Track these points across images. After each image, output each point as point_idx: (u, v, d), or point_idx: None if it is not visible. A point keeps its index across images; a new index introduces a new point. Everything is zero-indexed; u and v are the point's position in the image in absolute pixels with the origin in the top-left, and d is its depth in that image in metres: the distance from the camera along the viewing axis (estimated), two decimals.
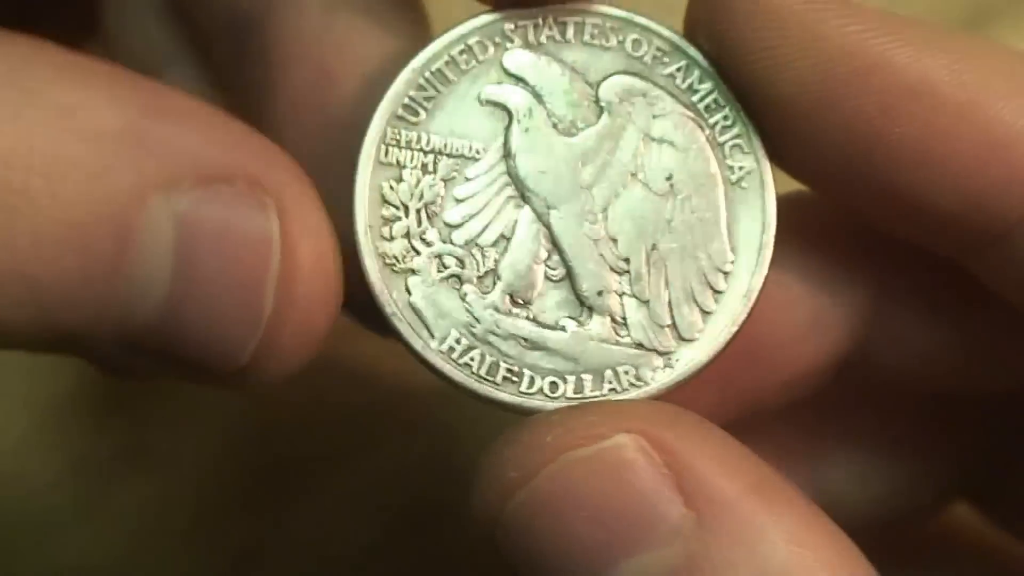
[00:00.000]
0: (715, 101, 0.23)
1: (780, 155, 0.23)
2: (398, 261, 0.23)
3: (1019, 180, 0.22)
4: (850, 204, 0.25)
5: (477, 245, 0.23)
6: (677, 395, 0.23)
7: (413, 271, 0.23)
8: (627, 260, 0.23)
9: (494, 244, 0.23)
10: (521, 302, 0.23)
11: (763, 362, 0.26)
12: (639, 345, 0.23)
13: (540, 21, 0.23)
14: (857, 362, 0.27)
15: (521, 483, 0.21)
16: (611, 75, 0.23)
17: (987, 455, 0.29)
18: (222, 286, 0.21)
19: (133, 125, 0.21)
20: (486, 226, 0.23)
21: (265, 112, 0.27)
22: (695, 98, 0.23)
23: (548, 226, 0.23)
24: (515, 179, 0.23)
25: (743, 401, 0.27)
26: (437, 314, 0.23)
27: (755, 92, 0.23)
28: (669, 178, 0.23)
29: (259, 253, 0.21)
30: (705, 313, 0.23)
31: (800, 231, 0.25)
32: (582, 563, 0.20)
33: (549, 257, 0.23)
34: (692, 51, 0.24)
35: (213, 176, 0.21)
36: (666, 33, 0.24)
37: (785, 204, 0.23)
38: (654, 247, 0.23)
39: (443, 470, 0.36)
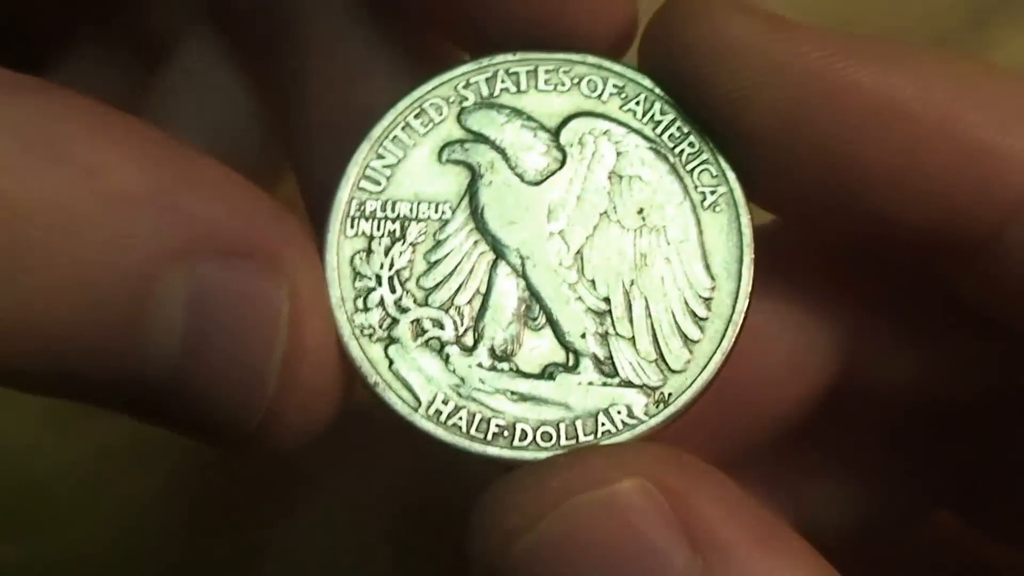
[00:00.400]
0: (678, 129, 0.23)
1: (749, 185, 0.23)
2: (376, 330, 0.23)
3: (992, 194, 0.22)
4: (823, 228, 0.24)
5: (455, 305, 0.23)
6: (670, 439, 0.22)
7: (392, 339, 0.23)
8: (607, 300, 0.23)
9: (471, 302, 0.23)
10: (505, 355, 0.23)
11: (749, 404, 0.26)
12: (628, 383, 0.23)
13: (492, 74, 0.24)
14: (838, 389, 0.27)
15: (525, 528, 0.20)
16: (570, 117, 0.23)
17: (966, 466, 0.29)
18: (229, 358, 0.21)
19: (158, 190, 0.21)
20: (461, 285, 0.23)
21: (295, 97, 0.27)
22: (657, 129, 0.23)
23: (524, 277, 0.23)
24: (485, 234, 0.23)
25: (733, 444, 0.26)
26: (421, 378, 0.23)
27: (718, 123, 0.23)
28: (640, 212, 0.23)
29: (266, 329, 0.21)
30: (691, 342, 0.23)
31: (773, 269, 0.25)
32: None
33: (528, 307, 0.23)
34: (648, 82, 0.23)
35: (231, 249, 0.21)
36: (619, 68, 0.23)
37: (756, 238, 0.23)
38: (632, 283, 0.23)
39: (444, 470, 0.36)
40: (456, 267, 0.23)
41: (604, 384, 0.23)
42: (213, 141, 0.31)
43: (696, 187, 0.23)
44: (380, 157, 0.23)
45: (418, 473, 0.37)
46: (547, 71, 0.24)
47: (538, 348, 0.23)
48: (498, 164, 0.23)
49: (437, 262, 0.23)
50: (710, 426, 0.24)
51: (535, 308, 0.23)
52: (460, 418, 0.23)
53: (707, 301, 0.23)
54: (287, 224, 0.22)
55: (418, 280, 0.23)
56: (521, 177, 0.23)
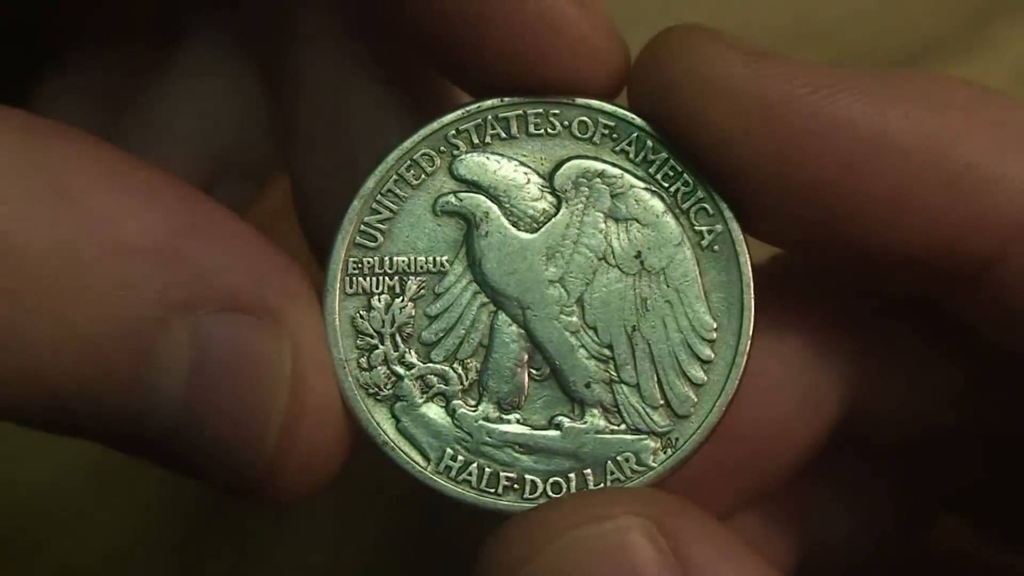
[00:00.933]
0: (672, 169, 0.23)
1: (744, 220, 0.23)
2: (380, 389, 0.23)
3: (987, 223, 0.21)
4: (821, 260, 0.24)
5: (457, 359, 0.23)
6: (681, 489, 0.22)
7: (397, 397, 0.23)
8: (610, 347, 0.23)
9: (474, 355, 0.23)
10: (510, 407, 0.23)
11: (762, 453, 0.26)
12: (636, 430, 0.23)
13: (481, 122, 0.23)
14: (843, 422, 0.27)
15: (525, 561, 0.21)
16: (562, 161, 0.23)
17: (970, 471, 0.29)
18: (230, 412, 0.21)
19: (166, 242, 0.21)
20: (463, 338, 0.23)
21: (288, 102, 0.27)
22: (651, 169, 0.23)
23: (525, 326, 0.23)
24: (484, 285, 0.23)
25: (748, 492, 0.26)
26: (428, 435, 0.23)
27: (710, 162, 0.23)
28: (638, 255, 0.23)
29: (267, 386, 0.21)
30: (696, 386, 0.23)
31: (776, 313, 0.25)
32: None
33: (531, 358, 0.23)
34: (639, 122, 0.23)
35: (235, 304, 0.21)
36: (609, 109, 0.23)
37: (756, 276, 0.23)
38: (635, 328, 0.23)
39: None
40: (457, 320, 0.23)
41: (611, 432, 0.23)
42: (218, 132, 0.31)
43: (693, 226, 0.23)
44: (375, 212, 0.23)
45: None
46: (536, 115, 0.23)
47: (544, 398, 0.23)
48: (493, 213, 0.23)
49: (438, 316, 0.23)
50: (723, 478, 0.25)
51: (538, 358, 0.23)
52: (470, 473, 0.23)
53: (710, 343, 0.23)
54: (291, 278, 0.22)
55: (420, 335, 0.23)
56: (516, 225, 0.23)
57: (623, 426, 0.23)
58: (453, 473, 0.23)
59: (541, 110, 0.23)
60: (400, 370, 0.23)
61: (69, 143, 0.21)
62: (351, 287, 0.23)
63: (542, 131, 0.23)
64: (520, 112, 0.23)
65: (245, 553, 0.37)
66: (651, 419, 0.23)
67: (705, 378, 0.23)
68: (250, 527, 0.37)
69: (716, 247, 0.23)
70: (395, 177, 0.23)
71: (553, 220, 0.23)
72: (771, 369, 0.25)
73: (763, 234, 0.23)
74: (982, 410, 0.27)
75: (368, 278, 0.23)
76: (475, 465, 0.23)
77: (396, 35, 0.25)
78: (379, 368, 0.23)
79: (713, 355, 0.23)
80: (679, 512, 0.21)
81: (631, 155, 0.23)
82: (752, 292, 0.23)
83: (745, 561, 0.21)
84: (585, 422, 0.23)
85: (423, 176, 0.23)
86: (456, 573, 0.22)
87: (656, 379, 0.23)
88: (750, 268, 0.23)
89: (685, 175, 0.23)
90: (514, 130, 0.23)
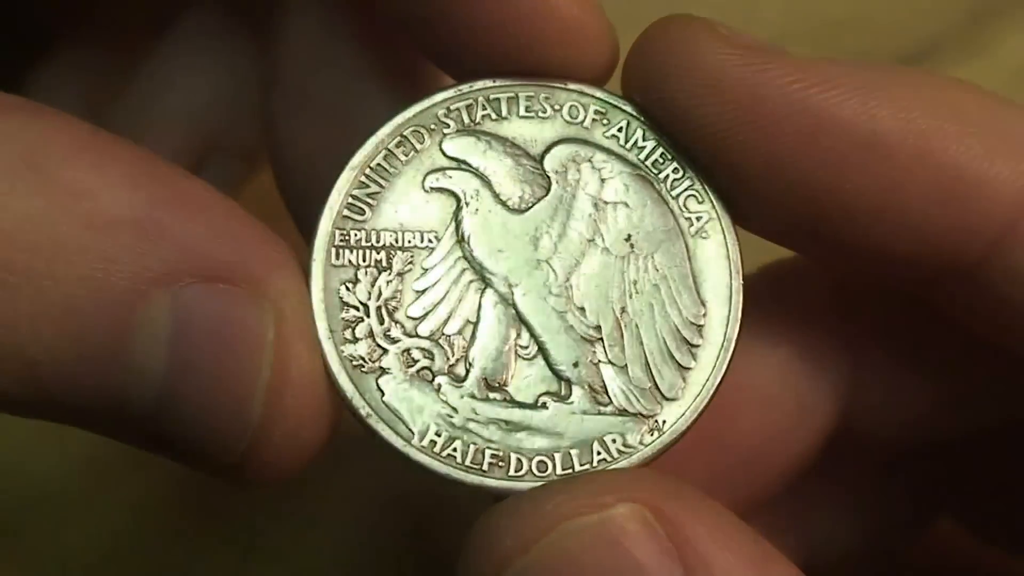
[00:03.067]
0: (662, 155, 0.23)
1: (734, 209, 0.23)
2: (366, 362, 0.23)
3: (976, 222, 0.21)
4: (809, 254, 0.24)
5: (444, 335, 0.23)
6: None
7: (383, 369, 0.23)
8: (598, 327, 0.23)
9: (461, 331, 0.23)
10: (497, 385, 0.23)
11: (755, 462, 0.26)
12: (623, 412, 0.23)
13: (472, 102, 0.23)
14: (842, 429, 0.27)
15: (519, 552, 0.20)
16: (553, 144, 0.23)
17: (967, 474, 0.30)
18: (213, 384, 0.21)
19: (143, 215, 0.21)
20: (450, 314, 0.23)
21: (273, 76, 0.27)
22: (641, 155, 0.23)
23: (513, 305, 0.23)
24: (472, 263, 0.23)
25: (742, 501, 0.26)
26: (413, 409, 0.22)
27: (701, 152, 0.23)
28: (628, 239, 0.23)
29: (251, 356, 0.21)
30: (684, 369, 0.23)
31: (768, 320, 0.25)
32: None
33: (519, 336, 0.23)
34: (630, 108, 0.23)
35: (215, 272, 0.21)
36: (600, 94, 0.23)
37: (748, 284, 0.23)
38: (623, 310, 0.23)
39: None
40: (444, 296, 0.23)
41: (598, 413, 0.23)
42: (208, 112, 0.31)
43: (683, 213, 0.23)
44: (363, 186, 0.23)
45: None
46: (528, 98, 0.23)
47: (530, 377, 0.23)
48: (483, 192, 0.23)
49: (424, 291, 0.23)
50: (716, 487, 0.24)
51: (525, 336, 0.23)
52: (455, 449, 0.22)
53: (698, 328, 0.23)
54: (274, 249, 0.22)
55: (406, 310, 0.23)
56: (505, 205, 0.23)
57: (610, 407, 0.23)
58: (438, 448, 0.22)
59: (532, 92, 0.23)
60: (385, 344, 0.23)
61: (42, 119, 0.21)
62: (337, 259, 0.23)
63: (533, 113, 0.23)
64: (512, 94, 0.23)
65: (242, 549, 0.37)
66: (638, 402, 0.23)
67: (693, 363, 0.23)
68: (247, 523, 0.37)
69: (705, 234, 0.23)
70: (385, 152, 0.23)
71: (543, 201, 0.23)
72: (764, 378, 0.25)
73: (752, 225, 0.24)
74: (977, 412, 0.27)
75: (355, 251, 0.23)
76: (459, 441, 0.22)
77: (383, 14, 0.25)
78: (364, 341, 0.23)
79: (701, 340, 0.23)
80: (675, 494, 0.21)
81: (621, 140, 0.23)
82: (740, 278, 0.23)
83: (745, 541, 0.21)
84: (571, 402, 0.23)
85: (413, 152, 0.23)
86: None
87: (644, 362, 0.23)
88: (739, 254, 0.23)
89: (675, 162, 0.23)
90: (505, 111, 0.23)
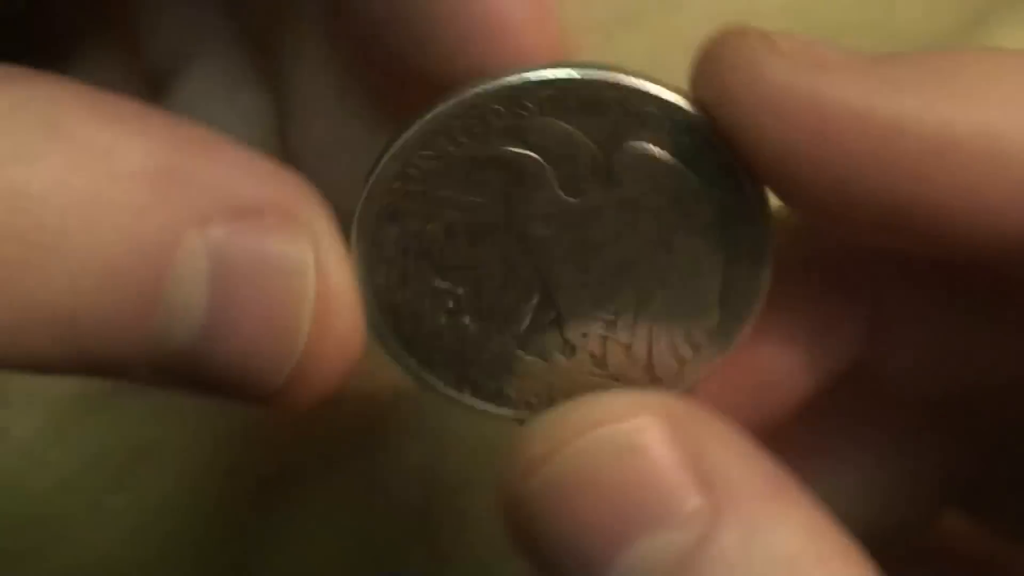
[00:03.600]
0: (722, 168, 0.23)
1: (786, 202, 0.23)
2: (400, 304, 0.24)
3: None
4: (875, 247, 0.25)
5: (472, 286, 0.24)
6: None
7: (414, 313, 0.24)
8: (616, 311, 0.24)
9: (488, 287, 0.24)
10: (510, 335, 0.24)
11: (766, 399, 0.26)
12: (615, 379, 0.24)
13: (555, 92, 0.23)
14: (855, 373, 0.27)
15: (544, 460, 0.21)
16: (619, 142, 0.24)
17: (978, 462, 0.30)
18: (258, 315, 0.21)
19: (165, 163, 0.21)
20: (484, 274, 0.24)
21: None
22: (691, 158, 0.23)
23: (546, 277, 0.24)
24: (518, 236, 0.24)
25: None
26: (436, 348, 0.24)
27: (769, 175, 0.23)
28: (669, 239, 0.24)
29: (294, 281, 0.22)
30: (683, 360, 0.24)
31: (786, 258, 0.25)
32: (596, 540, 0.21)
33: (542, 303, 0.24)
34: (688, 109, 0.23)
35: (245, 209, 0.21)
36: (655, 91, 0.23)
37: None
38: (645, 300, 0.24)
39: (436, 475, 0.37)
40: (482, 259, 0.24)
41: (592, 375, 0.24)
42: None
43: (724, 225, 0.24)
44: (426, 146, 0.23)
45: (410, 474, 0.37)
46: (599, 89, 0.24)
47: (542, 335, 0.24)
48: (542, 172, 0.24)
49: (465, 251, 0.24)
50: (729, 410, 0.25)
51: (548, 306, 0.24)
52: (467, 379, 0.24)
53: (708, 333, 0.24)
54: (294, 180, 0.22)
55: (443, 260, 0.24)
56: (562, 187, 0.24)
57: (605, 374, 0.24)
58: (452, 380, 0.24)
59: (589, 91, 0.23)
60: (420, 287, 0.24)
61: (50, 83, 0.22)
62: (384, 202, 0.24)
63: (601, 108, 0.24)
64: (591, 85, 0.24)
65: (251, 549, 0.37)
66: (631, 374, 0.24)
67: (691, 357, 0.24)
68: (256, 523, 0.37)
69: (746, 252, 0.24)
70: (459, 124, 0.23)
71: (598, 190, 0.24)
72: (775, 326, 0.26)
73: (805, 215, 0.24)
74: (996, 375, 0.27)
75: (405, 202, 0.24)
76: (470, 375, 0.24)
77: (359, 39, 0.26)
78: (400, 286, 0.24)
79: (707, 343, 0.24)
80: (695, 414, 0.22)
81: (681, 146, 0.23)
82: (762, 302, 0.24)
83: (761, 459, 0.21)
84: (572, 362, 0.24)
85: (486, 129, 0.24)
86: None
87: (648, 346, 0.24)
88: (768, 282, 0.24)
89: (729, 173, 0.23)
90: (571, 100, 0.23)
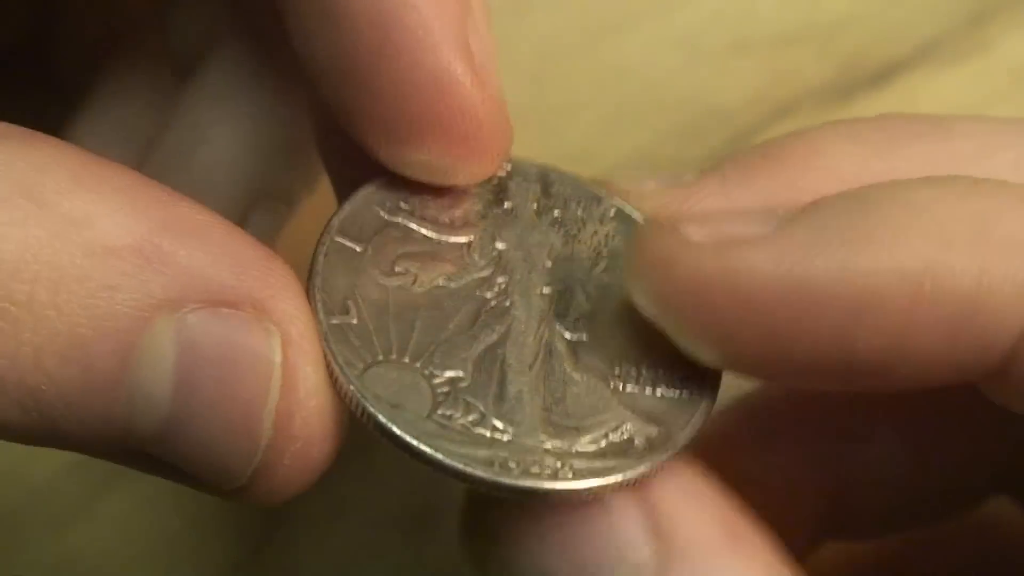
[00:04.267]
0: None
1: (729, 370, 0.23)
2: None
3: (986, 342, 0.21)
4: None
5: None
6: None
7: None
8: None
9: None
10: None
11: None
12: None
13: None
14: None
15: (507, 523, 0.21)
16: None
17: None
18: (221, 409, 0.21)
19: (144, 241, 0.21)
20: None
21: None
22: None
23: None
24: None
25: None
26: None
27: (705, 357, 0.23)
28: None
29: (259, 380, 0.21)
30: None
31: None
32: None
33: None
34: None
35: (219, 299, 0.21)
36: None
37: None
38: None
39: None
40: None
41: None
42: (249, 158, 0.31)
43: None
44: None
45: (419, 473, 0.37)
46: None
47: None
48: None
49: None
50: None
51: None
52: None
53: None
54: (277, 272, 0.22)
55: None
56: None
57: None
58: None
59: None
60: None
61: (37, 146, 0.21)
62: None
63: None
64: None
65: (251, 547, 0.37)
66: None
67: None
68: (256, 520, 0.37)
69: None
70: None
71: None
72: None
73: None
74: None
75: None
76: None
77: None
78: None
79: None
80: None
81: None
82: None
83: (720, 511, 0.21)
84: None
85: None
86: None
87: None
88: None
89: None
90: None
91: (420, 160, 0.24)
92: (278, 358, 0.21)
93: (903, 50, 0.40)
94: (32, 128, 0.22)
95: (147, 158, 0.31)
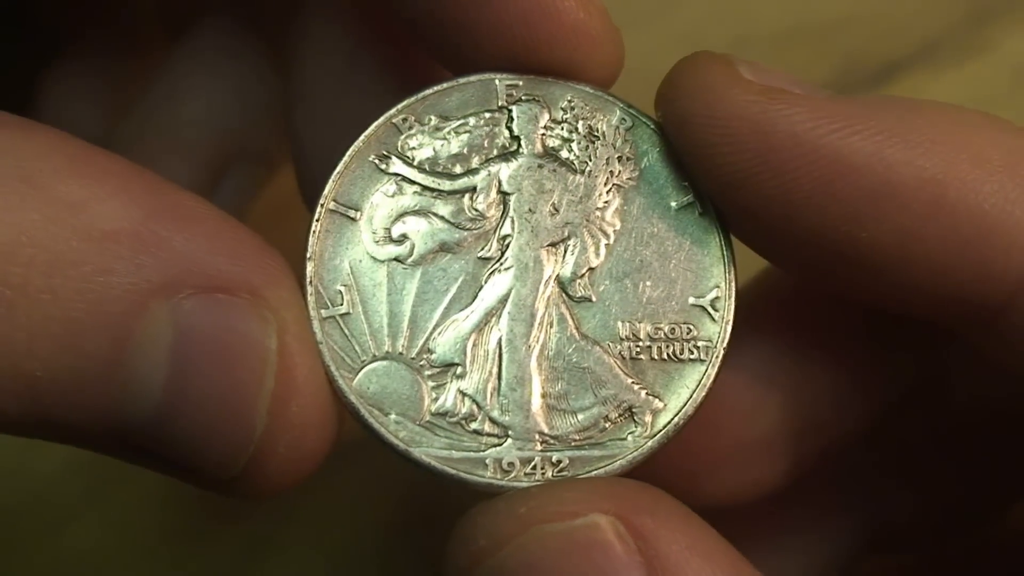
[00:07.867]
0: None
1: (748, 242, 0.23)
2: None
3: (998, 268, 0.21)
4: (824, 289, 0.25)
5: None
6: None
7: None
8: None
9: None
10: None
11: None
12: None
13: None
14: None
15: (490, 551, 0.21)
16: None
17: None
18: (216, 396, 0.21)
19: (139, 226, 0.20)
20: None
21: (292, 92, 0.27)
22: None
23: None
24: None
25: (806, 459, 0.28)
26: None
27: (719, 195, 0.23)
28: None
29: (254, 366, 0.21)
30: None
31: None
32: None
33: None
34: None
35: (215, 285, 0.21)
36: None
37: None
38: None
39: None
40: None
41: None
42: (228, 118, 0.31)
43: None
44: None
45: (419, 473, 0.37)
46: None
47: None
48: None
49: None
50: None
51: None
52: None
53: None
54: (271, 260, 0.22)
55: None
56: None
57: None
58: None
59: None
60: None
61: (35, 135, 0.21)
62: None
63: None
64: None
65: (251, 545, 0.37)
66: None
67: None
68: (250, 522, 0.37)
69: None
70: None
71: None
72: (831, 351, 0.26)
73: (767, 256, 0.24)
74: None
75: None
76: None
77: (393, 17, 0.25)
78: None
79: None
80: (650, 506, 0.21)
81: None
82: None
83: (719, 558, 0.20)
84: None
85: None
86: None
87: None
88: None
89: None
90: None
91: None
92: (274, 344, 0.21)
93: (903, 50, 0.40)
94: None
95: (124, 111, 0.31)
